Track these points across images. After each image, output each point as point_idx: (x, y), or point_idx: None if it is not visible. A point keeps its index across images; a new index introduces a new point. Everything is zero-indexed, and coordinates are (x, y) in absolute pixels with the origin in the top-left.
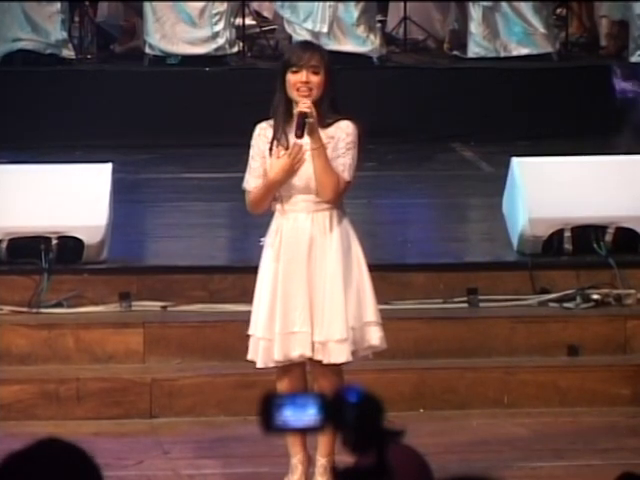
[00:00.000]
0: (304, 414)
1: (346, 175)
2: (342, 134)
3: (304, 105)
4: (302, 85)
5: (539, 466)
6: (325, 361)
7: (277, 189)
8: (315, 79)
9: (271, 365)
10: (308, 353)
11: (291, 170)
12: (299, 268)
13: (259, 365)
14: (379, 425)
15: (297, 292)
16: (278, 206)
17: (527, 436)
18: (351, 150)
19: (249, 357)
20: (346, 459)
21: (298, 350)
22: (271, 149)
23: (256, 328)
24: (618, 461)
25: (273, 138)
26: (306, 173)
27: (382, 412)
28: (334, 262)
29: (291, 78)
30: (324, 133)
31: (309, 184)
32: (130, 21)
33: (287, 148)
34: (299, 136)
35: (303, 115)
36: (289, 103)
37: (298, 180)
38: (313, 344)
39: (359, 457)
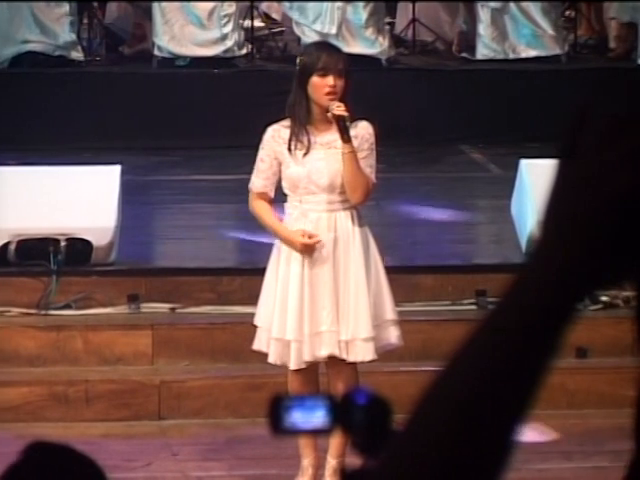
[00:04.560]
0: (313, 416)
1: (373, 177)
2: (365, 134)
3: (339, 109)
4: (330, 89)
5: (547, 468)
6: (351, 359)
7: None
8: (340, 83)
9: (303, 367)
10: (337, 352)
11: (294, 248)
12: (325, 268)
13: (292, 367)
14: (388, 427)
15: (324, 292)
16: (296, 204)
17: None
18: (374, 151)
19: (272, 360)
20: (357, 461)
21: (326, 349)
22: (290, 149)
23: (284, 331)
24: (626, 463)
25: (291, 138)
26: (330, 172)
27: (391, 414)
28: (357, 261)
29: (318, 82)
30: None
31: (333, 182)
32: (139, 23)
33: (307, 148)
34: (347, 140)
35: (341, 119)
36: (309, 103)
37: (322, 179)
38: (339, 343)
39: (368, 459)
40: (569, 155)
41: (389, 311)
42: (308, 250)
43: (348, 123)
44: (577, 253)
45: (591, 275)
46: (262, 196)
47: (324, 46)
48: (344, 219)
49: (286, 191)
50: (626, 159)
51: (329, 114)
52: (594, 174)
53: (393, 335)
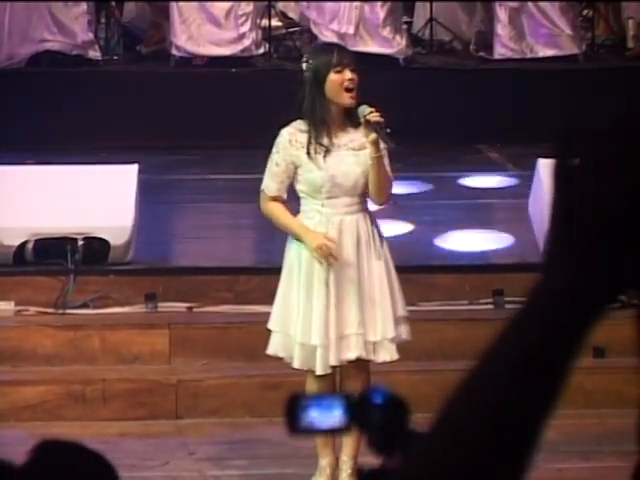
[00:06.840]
0: (330, 415)
1: (391, 176)
2: None
3: (374, 115)
4: (349, 83)
5: (565, 468)
6: (380, 360)
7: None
8: (356, 77)
9: (329, 372)
10: (364, 354)
11: (309, 244)
12: (350, 271)
13: (318, 372)
14: (405, 427)
15: (350, 294)
16: (318, 207)
17: (553, 438)
18: (386, 150)
19: (298, 366)
20: (371, 460)
21: (354, 352)
22: (309, 153)
23: (309, 336)
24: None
25: (309, 142)
26: (354, 174)
27: (408, 413)
28: (379, 260)
29: (336, 78)
30: (360, 132)
31: (356, 185)
32: (156, 22)
33: (327, 150)
34: (387, 147)
35: (379, 125)
36: (327, 103)
37: (346, 181)
38: (366, 344)
39: (385, 459)
40: (564, 157)
41: (401, 307)
42: (325, 252)
43: (387, 130)
44: (575, 255)
45: (600, 279)
46: (276, 199)
47: (331, 45)
48: (362, 220)
49: (303, 195)
50: (615, 162)
51: (362, 120)
52: (586, 176)
53: (404, 331)
